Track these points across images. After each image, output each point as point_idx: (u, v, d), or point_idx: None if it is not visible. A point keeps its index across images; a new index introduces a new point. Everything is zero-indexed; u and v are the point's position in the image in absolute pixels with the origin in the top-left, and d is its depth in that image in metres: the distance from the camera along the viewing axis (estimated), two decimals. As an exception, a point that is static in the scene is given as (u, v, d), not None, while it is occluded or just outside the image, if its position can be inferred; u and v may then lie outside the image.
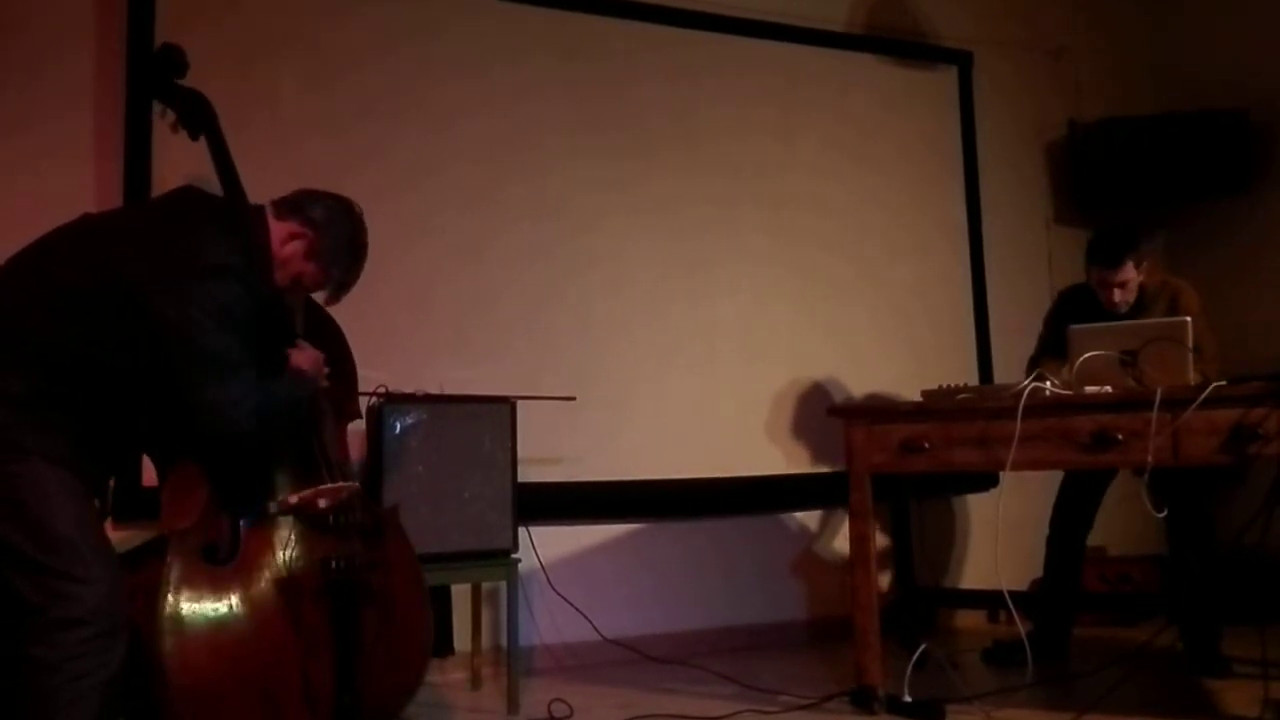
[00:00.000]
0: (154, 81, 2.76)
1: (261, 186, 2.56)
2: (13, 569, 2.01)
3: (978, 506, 4.60)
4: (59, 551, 2.01)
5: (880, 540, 3.34)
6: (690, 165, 4.23)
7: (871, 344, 4.47)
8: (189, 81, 2.65)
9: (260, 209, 2.41)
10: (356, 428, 2.94)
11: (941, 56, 4.78)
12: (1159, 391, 2.72)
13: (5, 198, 3.20)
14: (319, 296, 2.55)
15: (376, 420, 3.08)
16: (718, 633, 4.08)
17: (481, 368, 3.67)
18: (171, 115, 2.73)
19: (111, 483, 2.35)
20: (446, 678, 3.56)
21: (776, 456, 4.25)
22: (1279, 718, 2.75)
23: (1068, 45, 5.01)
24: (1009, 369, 4.39)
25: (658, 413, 4.06)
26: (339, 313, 2.70)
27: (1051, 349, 3.37)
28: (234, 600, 2.31)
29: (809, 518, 4.35)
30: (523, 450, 3.27)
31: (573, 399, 3.61)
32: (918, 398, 3.15)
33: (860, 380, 4.38)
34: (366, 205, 2.53)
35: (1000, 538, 3.55)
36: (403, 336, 3.62)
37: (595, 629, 3.76)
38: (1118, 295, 3.47)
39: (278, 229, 2.37)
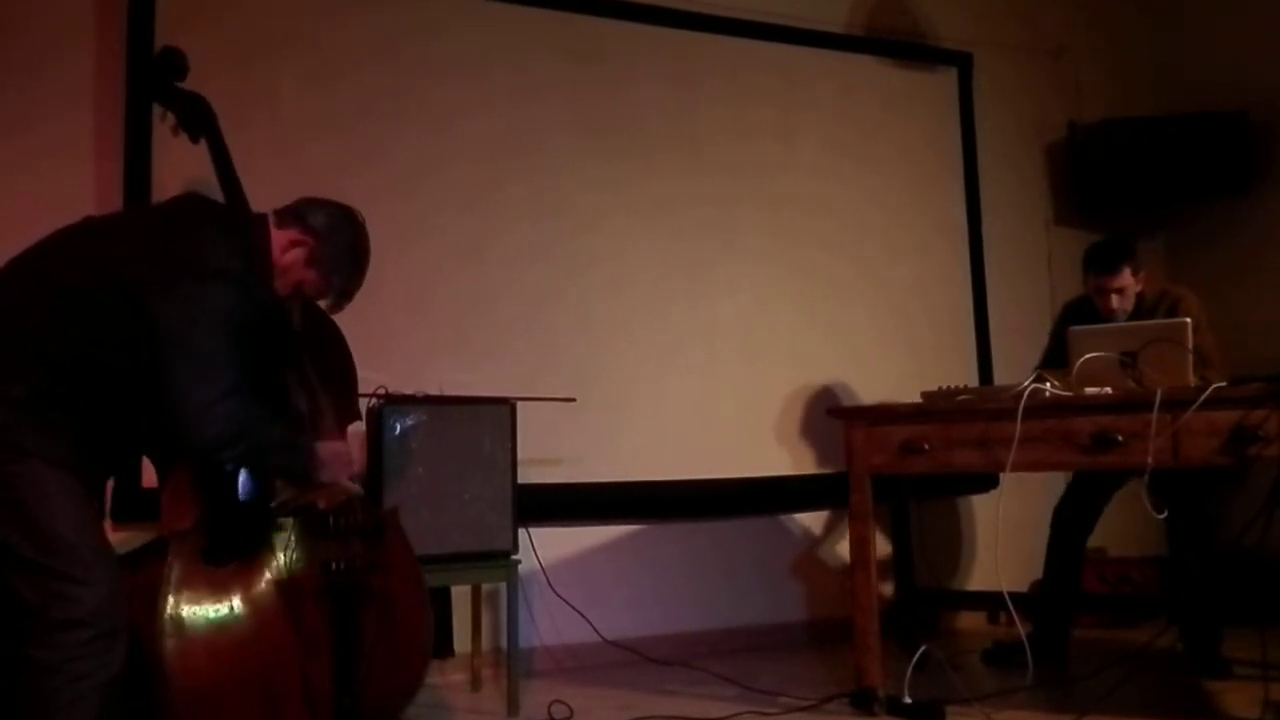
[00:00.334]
0: (154, 84, 2.76)
1: (261, 187, 2.56)
2: (13, 570, 2.01)
3: (978, 508, 4.60)
4: (59, 552, 2.01)
5: (880, 541, 3.34)
6: (690, 166, 4.24)
7: (871, 345, 4.47)
8: (189, 83, 2.65)
9: (262, 217, 2.41)
10: (356, 429, 2.93)
11: (941, 58, 4.78)
12: (1159, 393, 2.72)
13: (5, 198, 3.20)
14: (321, 304, 2.54)
15: (376, 422, 3.08)
16: (718, 634, 4.08)
17: (481, 369, 3.67)
18: (172, 118, 2.73)
19: (111, 484, 2.34)
20: (446, 679, 3.56)
21: (776, 458, 4.24)
22: (1279, 719, 2.75)
23: (1068, 46, 5.01)
24: (1009, 370, 4.40)
25: (657, 414, 4.06)
26: (338, 313, 2.70)
27: (1055, 361, 3.37)
28: (234, 602, 2.31)
29: (809, 519, 4.35)
30: (523, 451, 3.27)
31: (573, 400, 3.61)
32: (917, 399, 3.15)
33: (860, 381, 4.38)
34: (366, 206, 2.53)
35: (1000, 539, 3.55)
36: (402, 337, 3.62)
37: (595, 630, 3.76)
38: (1115, 302, 3.49)
39: (278, 237, 2.37)
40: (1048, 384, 2.93)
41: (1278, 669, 2.82)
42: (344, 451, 2.46)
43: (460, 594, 3.55)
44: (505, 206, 3.92)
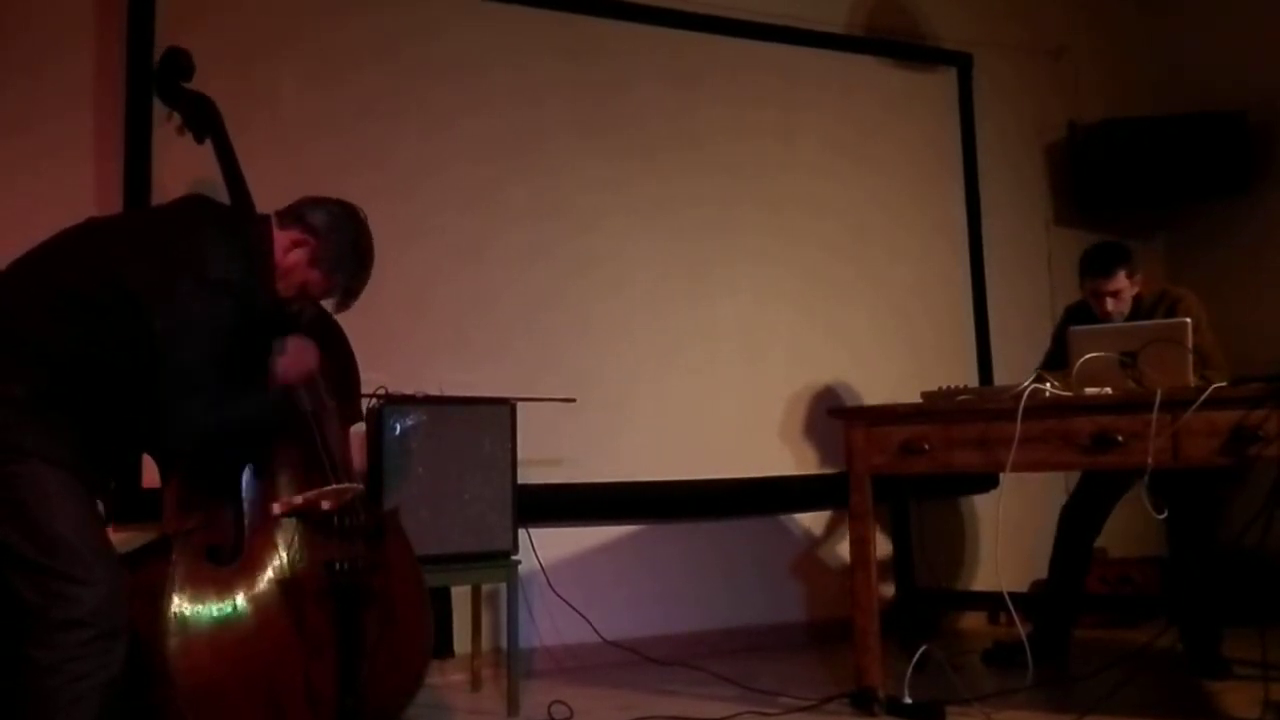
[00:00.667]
0: (160, 85, 2.76)
1: (262, 187, 2.57)
2: (13, 570, 2.01)
3: (978, 508, 4.61)
4: (59, 553, 2.01)
5: (880, 541, 3.34)
6: (690, 166, 4.23)
7: (871, 345, 4.47)
8: (192, 84, 2.66)
9: (265, 218, 2.41)
10: (356, 429, 2.94)
11: (941, 58, 4.78)
12: (1159, 393, 2.72)
13: (5, 198, 3.19)
14: (327, 305, 2.54)
15: (376, 422, 3.08)
16: (718, 634, 4.08)
17: (481, 369, 3.67)
18: (178, 118, 2.74)
19: (112, 485, 2.34)
20: (446, 679, 3.56)
21: (776, 458, 4.24)
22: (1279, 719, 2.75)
23: (1067, 46, 5.01)
24: (1009, 370, 4.40)
25: (657, 414, 4.06)
26: (343, 312, 2.70)
27: (1056, 363, 3.37)
28: (238, 601, 2.31)
29: (809, 519, 4.35)
30: (523, 452, 3.27)
31: (573, 400, 3.61)
32: (918, 399, 3.15)
33: (860, 381, 4.38)
34: (366, 206, 2.53)
35: (1000, 539, 3.56)
36: (402, 338, 3.62)
37: (595, 630, 3.76)
38: (1111, 305, 3.50)
39: (280, 238, 2.37)
40: (1048, 384, 2.93)
41: (1278, 669, 2.82)
42: (296, 352, 2.43)
43: (460, 594, 3.55)
44: (505, 207, 3.92)
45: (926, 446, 2.98)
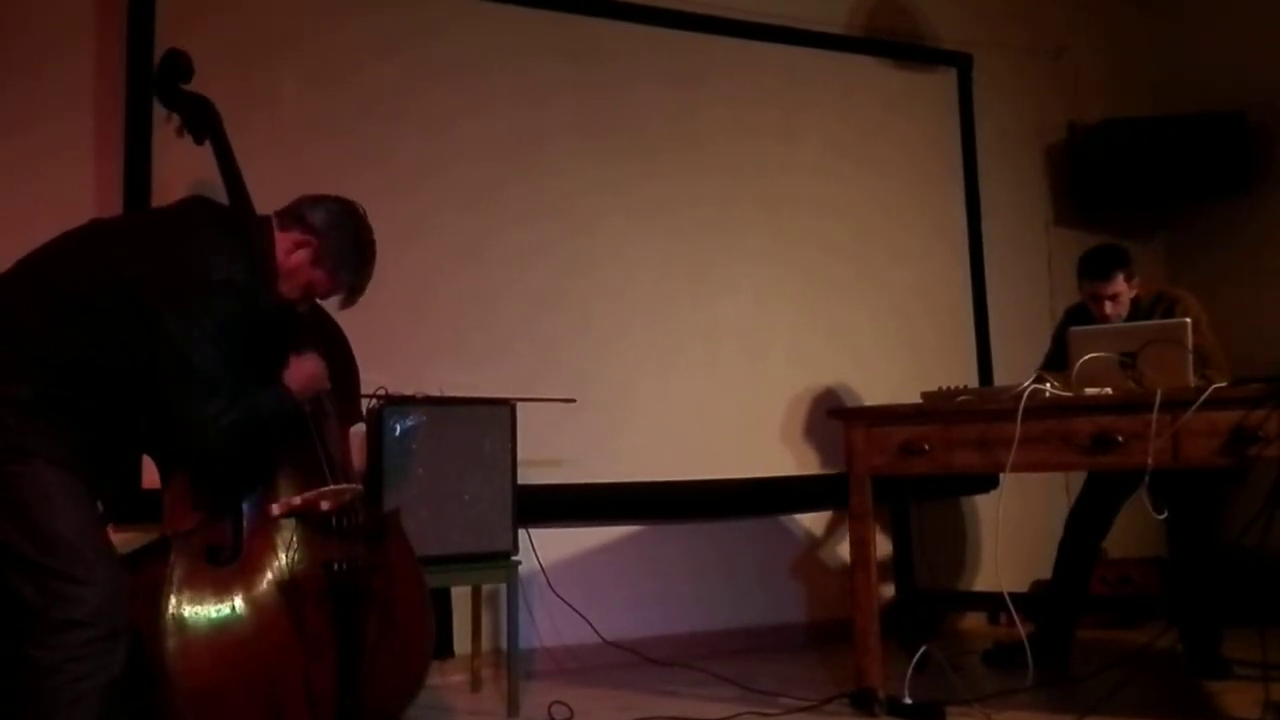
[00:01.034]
0: (159, 86, 2.76)
1: (261, 188, 2.57)
2: (14, 570, 2.01)
3: (978, 508, 4.61)
4: (60, 553, 2.01)
5: (881, 542, 3.34)
6: (690, 167, 4.24)
7: (872, 345, 4.47)
8: (191, 85, 2.66)
9: (266, 219, 2.41)
10: (357, 430, 2.94)
11: (941, 58, 4.78)
12: (1159, 393, 2.72)
13: (5, 198, 3.20)
14: (333, 302, 2.53)
15: (376, 423, 3.08)
16: (718, 635, 4.08)
17: (481, 370, 3.67)
18: (177, 120, 2.73)
19: (112, 486, 2.34)
20: (446, 680, 3.56)
21: (777, 458, 4.24)
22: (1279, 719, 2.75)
23: (1067, 47, 5.01)
24: (1009, 371, 4.40)
25: (658, 414, 4.06)
26: (338, 314, 2.70)
27: (1056, 364, 3.38)
28: (237, 602, 2.31)
29: (809, 520, 4.35)
30: (523, 452, 3.27)
31: (573, 401, 3.61)
32: (918, 399, 3.15)
33: (860, 382, 4.38)
34: (367, 206, 2.52)
35: (1000, 540, 3.56)
36: (402, 338, 3.62)
37: (595, 631, 3.76)
38: (1109, 308, 3.51)
39: (282, 239, 2.37)
40: (1048, 384, 2.93)
41: (1278, 669, 2.82)
42: (310, 368, 2.44)
43: (460, 595, 3.55)
44: (505, 207, 3.92)
45: (926, 447, 2.98)
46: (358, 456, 3.10)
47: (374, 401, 3.09)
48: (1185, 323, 3.05)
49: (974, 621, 4.54)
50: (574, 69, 4.08)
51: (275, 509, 2.42)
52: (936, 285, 4.66)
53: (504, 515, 3.18)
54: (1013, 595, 3.18)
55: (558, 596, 3.72)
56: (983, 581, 4.55)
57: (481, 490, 3.16)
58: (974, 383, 4.46)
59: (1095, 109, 4.92)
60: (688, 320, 4.17)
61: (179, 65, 2.74)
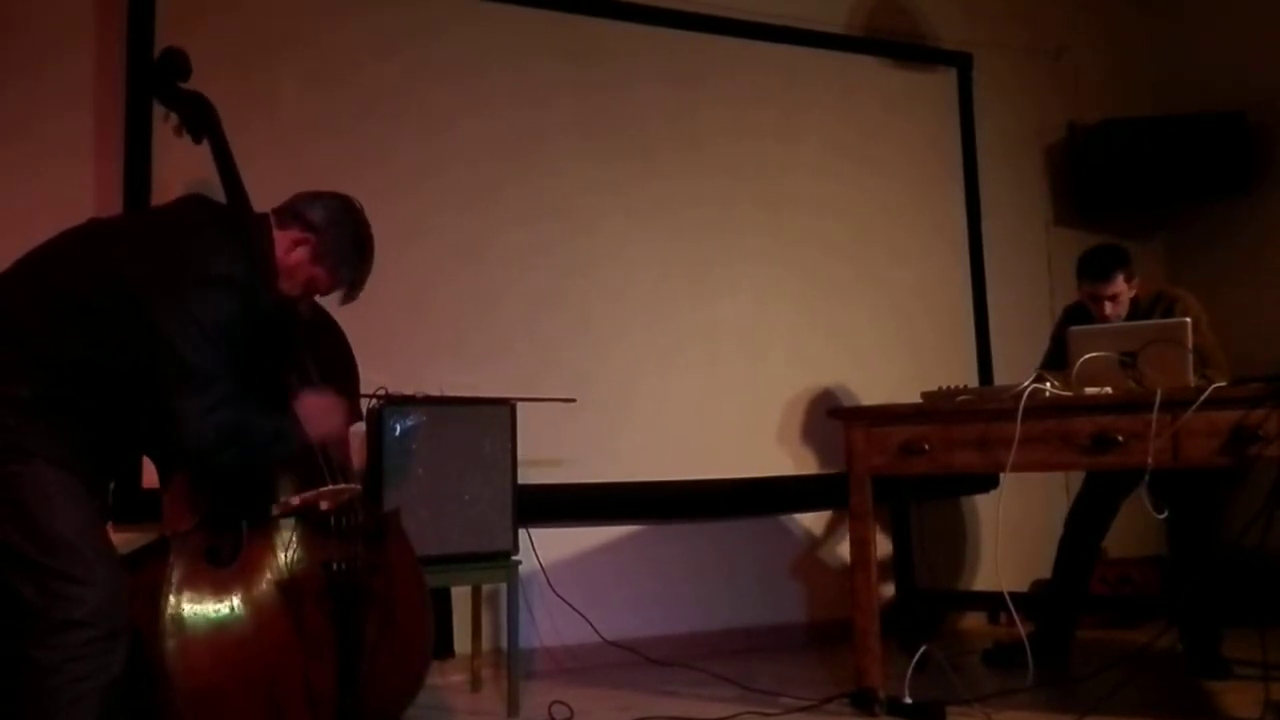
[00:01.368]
0: (157, 85, 2.76)
1: (261, 188, 2.56)
2: (14, 570, 2.01)
3: (978, 508, 4.61)
4: (60, 553, 2.01)
5: (881, 542, 3.34)
6: (690, 167, 4.24)
7: (872, 345, 4.47)
8: (189, 84, 2.65)
9: (265, 217, 2.40)
10: (356, 430, 2.93)
11: (941, 58, 4.78)
12: (1159, 393, 2.72)
13: (5, 198, 3.20)
14: (334, 299, 2.53)
15: (377, 422, 3.08)
16: (718, 635, 4.08)
17: (481, 369, 3.67)
18: (175, 119, 2.73)
19: (112, 485, 2.34)
20: (446, 680, 3.56)
21: (777, 458, 4.24)
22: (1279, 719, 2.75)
23: (1067, 47, 5.01)
24: (1009, 371, 4.40)
25: (658, 414, 4.06)
26: (338, 314, 2.70)
27: (1057, 363, 3.38)
28: (236, 602, 2.31)
29: (809, 520, 4.35)
30: (523, 452, 3.27)
31: (573, 401, 3.61)
32: (918, 399, 3.15)
33: (860, 382, 4.38)
34: (366, 207, 2.52)
35: (1000, 539, 3.56)
36: (403, 338, 3.62)
37: (595, 631, 3.76)
38: (1108, 308, 3.50)
39: (281, 238, 2.37)
40: (1048, 384, 2.93)
41: (1278, 669, 2.82)
42: (325, 405, 2.42)
43: (460, 594, 3.55)
44: (505, 207, 3.92)
45: (926, 447, 2.98)
46: (357, 456, 3.10)
47: (374, 401, 3.09)
48: (1185, 322, 3.05)
49: (974, 621, 4.54)
50: (574, 69, 4.08)
51: (274, 509, 2.42)
52: (936, 285, 4.66)
53: (504, 515, 3.18)
54: (1013, 595, 3.18)
55: (558, 596, 3.73)
56: (983, 581, 4.55)
57: (481, 490, 3.16)
58: (974, 382, 4.46)
59: (1095, 109, 4.92)
60: (688, 320, 4.17)
61: (177, 64, 2.73)
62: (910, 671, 3.09)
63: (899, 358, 4.45)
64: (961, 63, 4.80)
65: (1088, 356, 3.00)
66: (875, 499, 3.10)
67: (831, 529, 4.37)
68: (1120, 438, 2.75)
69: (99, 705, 2.02)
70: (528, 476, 3.40)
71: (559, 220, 4.00)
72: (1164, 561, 4.37)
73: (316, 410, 2.40)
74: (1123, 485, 3.56)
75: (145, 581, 2.24)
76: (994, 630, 4.38)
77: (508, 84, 3.97)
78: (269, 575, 2.37)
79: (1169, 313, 3.45)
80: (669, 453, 4.04)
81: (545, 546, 3.64)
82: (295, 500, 2.41)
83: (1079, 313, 3.67)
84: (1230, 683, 3.31)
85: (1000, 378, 4.53)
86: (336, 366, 2.66)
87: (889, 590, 4.18)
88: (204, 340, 2.12)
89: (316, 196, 2.43)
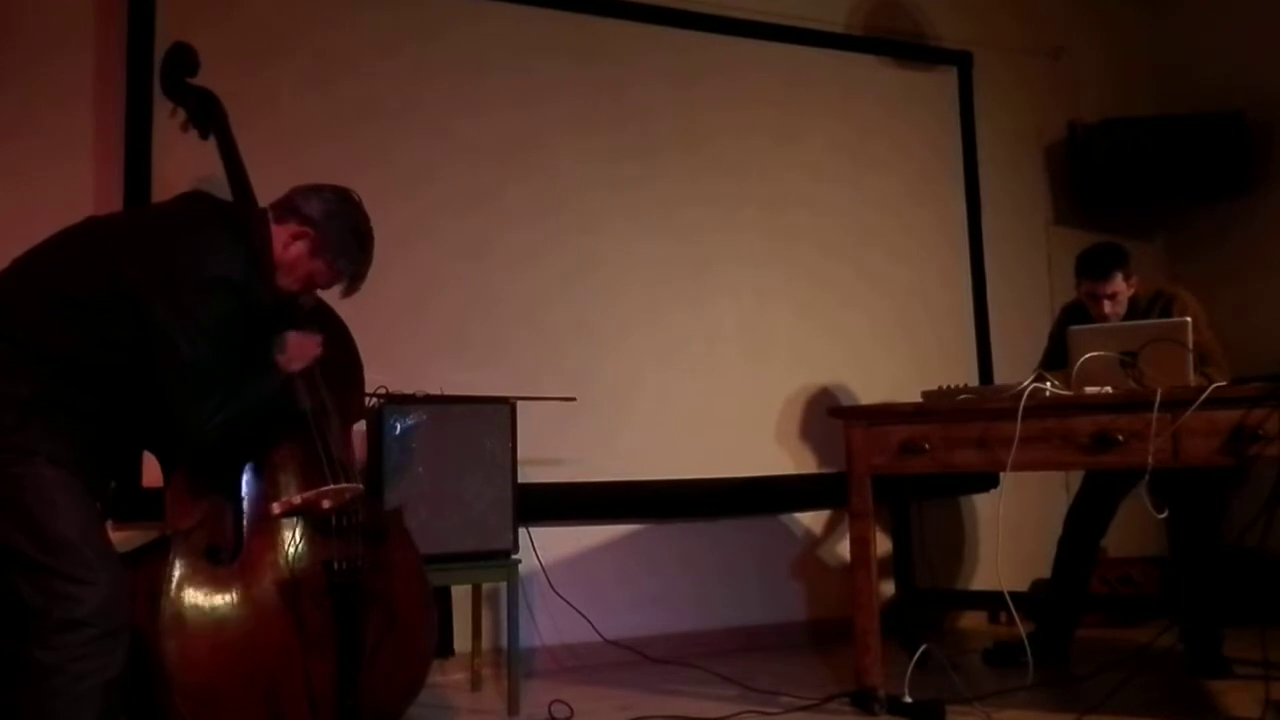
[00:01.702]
0: (165, 80, 2.77)
1: (263, 187, 2.57)
2: (15, 570, 2.01)
3: (978, 507, 4.61)
4: (61, 553, 2.01)
5: (880, 541, 3.34)
6: (691, 166, 4.23)
7: (872, 345, 4.47)
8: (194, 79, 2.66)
9: (263, 213, 2.40)
10: (357, 428, 2.94)
11: (941, 58, 4.78)
12: (1159, 392, 2.72)
13: (5, 196, 3.20)
14: (335, 292, 2.52)
15: (377, 421, 3.08)
16: (718, 634, 4.08)
17: (482, 369, 3.67)
18: (183, 114, 2.74)
19: (113, 484, 2.34)
20: (447, 678, 3.56)
21: (777, 458, 4.24)
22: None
23: (1067, 46, 5.01)
24: (1009, 370, 4.39)
25: (658, 413, 4.06)
26: (339, 310, 2.70)
27: (1056, 362, 3.38)
28: (236, 601, 2.31)
29: (809, 519, 4.35)
30: (523, 451, 3.27)
31: (573, 400, 3.61)
32: (918, 399, 3.15)
33: (860, 381, 4.38)
34: (367, 206, 2.51)
35: (1000, 539, 3.56)
36: (403, 337, 3.62)
37: (595, 630, 3.76)
38: (1107, 307, 3.50)
39: (279, 233, 2.36)
40: (1048, 384, 2.93)
41: (1278, 669, 2.82)
42: (300, 340, 2.44)
43: (460, 593, 3.55)
44: (506, 207, 3.92)
45: (926, 446, 2.98)
46: (358, 455, 3.10)
47: (375, 400, 3.09)
48: (1186, 322, 3.05)
49: (974, 620, 4.54)
50: (574, 68, 4.08)
51: (275, 508, 2.42)
52: (936, 284, 4.66)
53: (504, 514, 3.18)
54: (1012, 594, 3.18)
55: (558, 595, 3.73)
56: (983, 580, 4.55)
57: (482, 489, 3.16)
58: (974, 382, 4.46)
59: (1095, 108, 4.92)
60: (688, 319, 4.17)
61: (185, 59, 2.74)
62: (910, 670, 3.09)
63: (899, 357, 4.45)
64: (962, 62, 4.80)
65: (1088, 356, 3.00)
66: (875, 498, 3.10)
67: (831, 528, 4.37)
68: (1120, 437, 2.75)
69: (100, 704, 2.02)
70: (528, 475, 3.40)
71: (559, 220, 4.00)
72: (1165, 561, 4.37)
73: (292, 346, 2.41)
74: (1121, 484, 3.57)
75: (145, 580, 2.24)
76: (994, 629, 4.38)
77: (509, 83, 3.96)
78: (270, 574, 2.38)
79: (1167, 311, 3.45)
80: (669, 452, 4.04)
81: (545, 545, 3.64)
82: (297, 499, 2.42)
83: (1077, 312, 3.67)
84: (1231, 682, 3.31)
85: (1000, 377, 4.52)
86: (339, 363, 2.66)
87: (889, 589, 4.19)
88: (203, 337, 2.13)
89: (314, 190, 2.42)
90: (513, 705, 3.18)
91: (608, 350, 4.02)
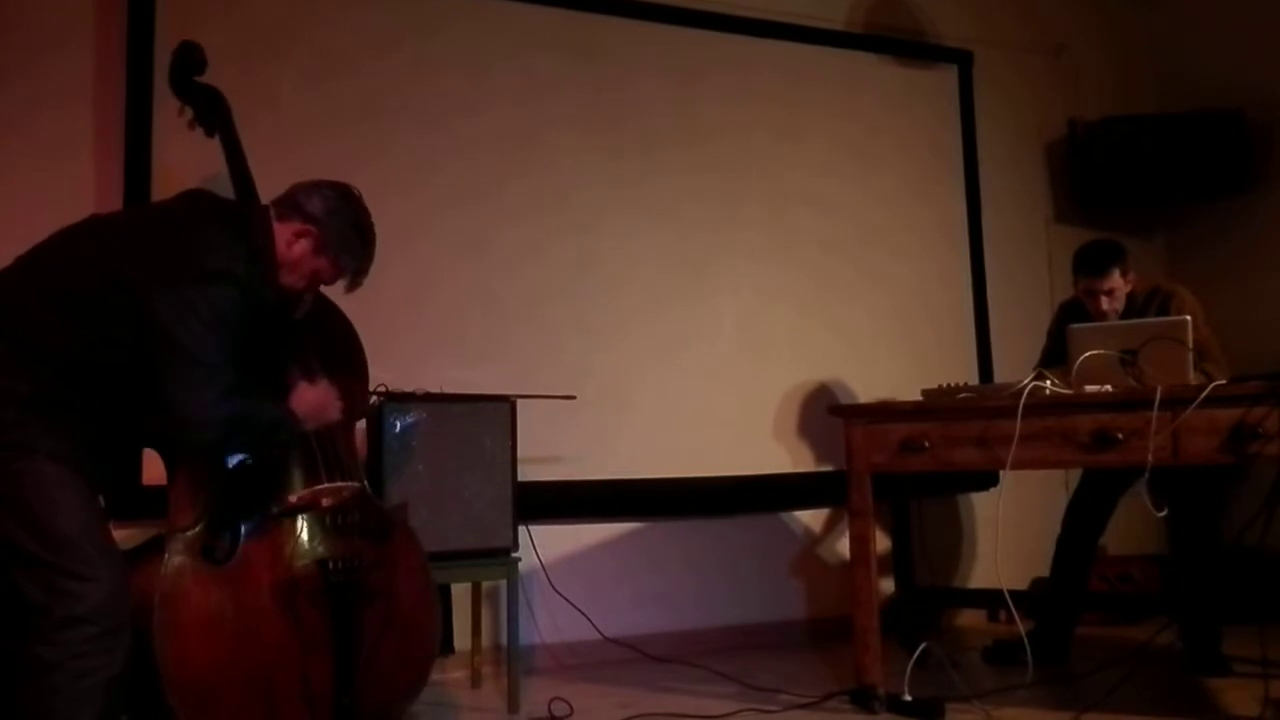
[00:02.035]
0: (173, 78, 2.77)
1: (263, 184, 2.57)
2: (16, 567, 2.01)
3: (978, 506, 4.61)
4: (63, 550, 2.01)
5: (880, 539, 3.34)
6: (691, 163, 4.23)
7: (872, 343, 4.47)
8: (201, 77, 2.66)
9: (266, 210, 2.41)
10: (359, 427, 2.94)
11: (942, 56, 4.78)
12: (1159, 390, 2.72)
13: (6, 194, 3.20)
14: (339, 288, 2.52)
15: (377, 419, 3.08)
16: (718, 632, 4.08)
17: (482, 366, 3.67)
18: (189, 112, 2.74)
19: (113, 481, 2.34)
20: (447, 676, 3.56)
21: (777, 455, 4.24)
22: (1279, 717, 2.75)
23: (1068, 45, 5.01)
24: (1009, 368, 4.40)
25: (658, 411, 4.06)
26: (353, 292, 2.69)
27: (1055, 360, 3.38)
28: (233, 599, 2.30)
29: (809, 517, 4.35)
30: (523, 449, 3.27)
31: (573, 398, 3.61)
32: (918, 397, 3.15)
33: (860, 379, 4.38)
34: (368, 203, 2.52)
35: (1000, 537, 3.57)
36: (403, 335, 3.62)
37: (595, 628, 3.76)
38: (1105, 304, 3.50)
39: (281, 230, 2.37)
40: (1048, 382, 2.93)
41: (1278, 667, 2.82)
42: (320, 398, 2.44)
43: (460, 591, 3.55)
44: (506, 203, 3.91)
45: (926, 444, 2.98)
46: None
47: (374, 398, 3.09)
48: (1186, 320, 3.05)
49: (973, 618, 4.54)
50: (575, 65, 4.08)
51: (274, 506, 2.41)
52: (937, 282, 4.66)
53: (504, 512, 3.18)
54: (1012, 592, 3.18)
55: (558, 593, 3.73)
56: (982, 578, 4.55)
57: (482, 487, 3.16)
58: (974, 380, 4.47)
59: (1095, 106, 4.92)
60: (688, 316, 4.17)
61: (193, 57, 2.74)
62: (910, 668, 3.09)
63: (899, 355, 4.45)
64: (962, 60, 4.80)
65: (1088, 354, 3.00)
66: (875, 496, 3.10)
67: (831, 526, 4.37)
68: (1120, 435, 2.75)
69: (101, 702, 2.02)
70: (527, 473, 3.40)
71: (560, 216, 4.00)
72: (1164, 559, 4.37)
73: (309, 402, 2.41)
74: (1120, 481, 3.57)
75: (142, 578, 2.24)
76: (993, 627, 4.38)
77: (510, 80, 3.96)
78: (267, 573, 2.37)
79: (1165, 308, 3.46)
80: (669, 449, 4.04)
81: (545, 543, 3.64)
82: (295, 498, 2.42)
83: (1075, 309, 3.67)
84: (1230, 680, 3.31)
85: (1000, 375, 4.53)
86: (341, 355, 2.65)
87: (889, 587, 4.19)
88: (205, 331, 2.13)
89: (314, 186, 2.42)
90: (512, 703, 3.18)
91: (607, 347, 4.02)
